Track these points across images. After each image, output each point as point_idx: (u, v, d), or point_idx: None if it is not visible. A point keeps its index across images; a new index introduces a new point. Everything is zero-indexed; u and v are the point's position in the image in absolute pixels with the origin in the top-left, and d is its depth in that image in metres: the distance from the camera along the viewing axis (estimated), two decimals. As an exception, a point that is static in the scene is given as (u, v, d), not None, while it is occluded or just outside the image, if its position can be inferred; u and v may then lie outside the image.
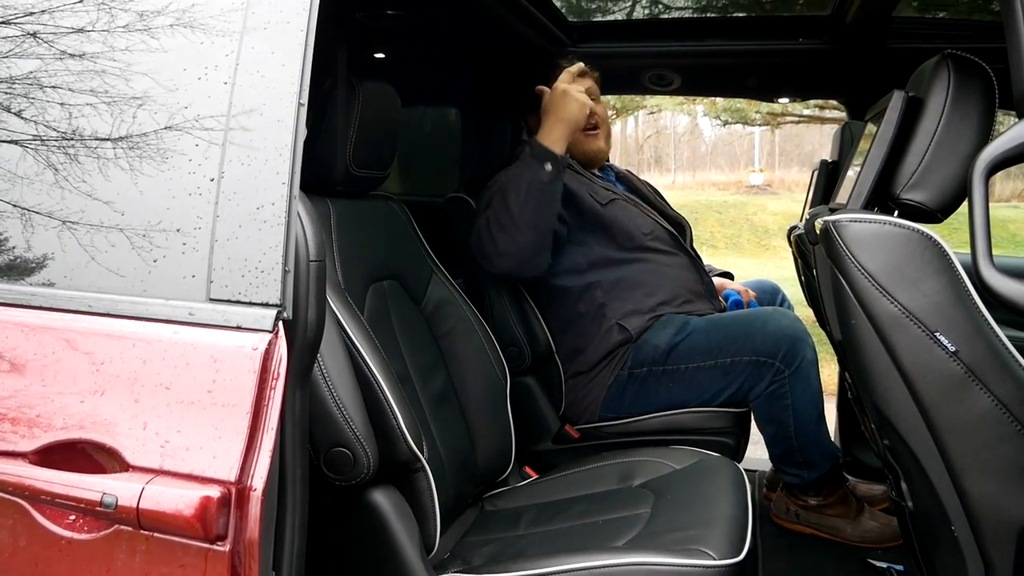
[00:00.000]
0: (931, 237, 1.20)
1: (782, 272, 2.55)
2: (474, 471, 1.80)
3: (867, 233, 1.23)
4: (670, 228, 2.33)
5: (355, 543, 1.44)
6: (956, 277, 1.19)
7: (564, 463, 1.97)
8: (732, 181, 20.08)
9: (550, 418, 2.24)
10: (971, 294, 1.19)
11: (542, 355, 2.26)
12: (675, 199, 2.53)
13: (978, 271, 1.04)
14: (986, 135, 1.22)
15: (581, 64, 2.10)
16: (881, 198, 1.36)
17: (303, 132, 1.01)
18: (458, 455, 1.73)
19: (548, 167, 1.99)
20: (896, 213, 1.28)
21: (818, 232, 1.35)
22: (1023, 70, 1.02)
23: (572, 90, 2.02)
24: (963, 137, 1.25)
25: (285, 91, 1.01)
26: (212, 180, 1.01)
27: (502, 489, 1.91)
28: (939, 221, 1.31)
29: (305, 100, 1.01)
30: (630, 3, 3.09)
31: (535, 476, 2.00)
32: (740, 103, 8.00)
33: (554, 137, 2.02)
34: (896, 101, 1.31)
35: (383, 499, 1.42)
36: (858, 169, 1.40)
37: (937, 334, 1.18)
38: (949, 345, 1.18)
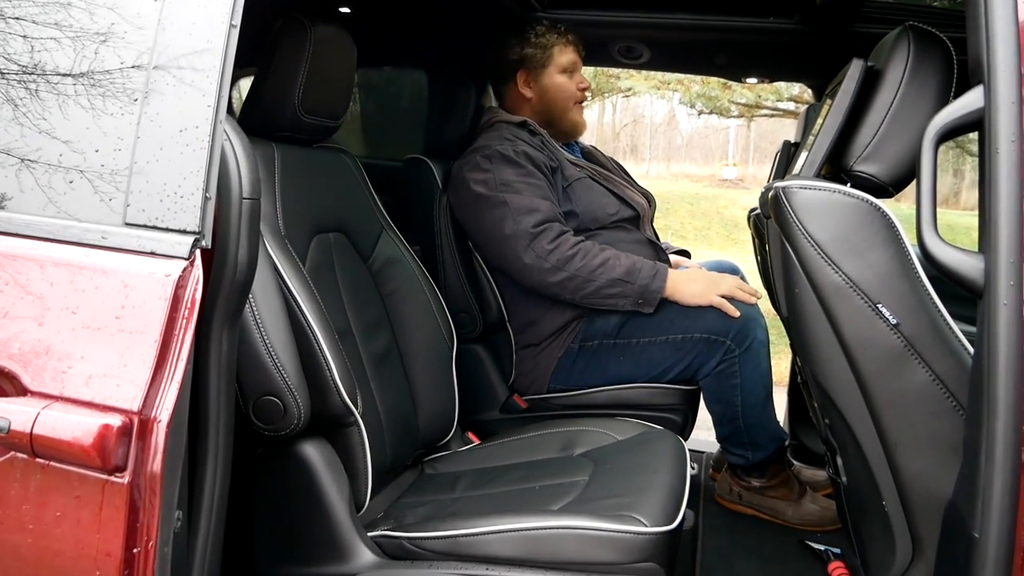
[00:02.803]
0: (879, 208, 1.18)
1: (749, 265, 2.55)
2: (414, 433, 1.76)
3: (816, 200, 1.21)
4: (634, 204, 2.30)
5: (283, 495, 1.40)
6: (902, 250, 1.17)
7: (509, 432, 1.94)
8: (706, 174, 20.13)
9: (498, 387, 2.21)
10: (916, 268, 1.17)
11: (493, 324, 2.22)
12: (648, 188, 2.51)
13: (921, 237, 1.02)
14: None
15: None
16: (835, 170, 1.34)
17: (233, 55, 0.96)
18: (398, 416, 1.69)
19: (639, 303, 2.04)
20: (849, 185, 1.26)
21: (769, 201, 1.33)
22: (980, 36, 1.00)
23: (726, 303, 2.03)
24: (919, 110, 1.23)
25: (217, 11, 0.96)
26: (135, 100, 0.96)
27: (443, 453, 1.87)
28: (891, 195, 1.29)
29: (237, 22, 0.96)
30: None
31: (477, 442, 1.97)
32: (715, 90, 7.99)
33: (679, 294, 2.04)
34: (854, 70, 1.29)
35: (313, 452, 1.39)
36: (813, 141, 1.38)
37: (879, 306, 1.17)
38: (891, 318, 1.16)
